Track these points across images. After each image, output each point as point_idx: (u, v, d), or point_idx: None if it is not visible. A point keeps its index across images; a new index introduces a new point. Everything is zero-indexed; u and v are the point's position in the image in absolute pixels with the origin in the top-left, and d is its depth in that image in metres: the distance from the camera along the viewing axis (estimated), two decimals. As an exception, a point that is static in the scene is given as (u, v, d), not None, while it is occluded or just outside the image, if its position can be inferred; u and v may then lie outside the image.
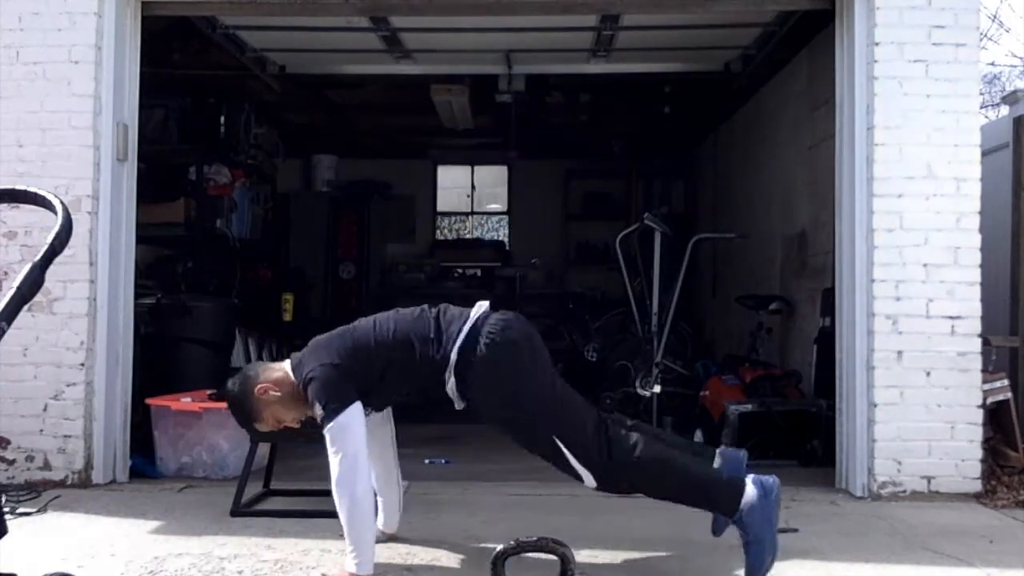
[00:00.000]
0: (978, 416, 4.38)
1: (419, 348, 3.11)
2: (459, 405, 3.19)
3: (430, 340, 3.11)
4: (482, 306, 3.18)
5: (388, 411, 3.43)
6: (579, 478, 3.06)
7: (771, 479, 3.02)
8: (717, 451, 3.19)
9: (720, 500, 3.03)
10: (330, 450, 3.02)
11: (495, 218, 11.99)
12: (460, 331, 3.10)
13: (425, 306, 3.27)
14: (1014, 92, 6.72)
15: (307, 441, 4.58)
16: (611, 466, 3.03)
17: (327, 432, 3.02)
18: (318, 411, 3.03)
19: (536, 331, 3.22)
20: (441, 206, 11.58)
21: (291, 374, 3.20)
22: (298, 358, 3.20)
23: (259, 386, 3.20)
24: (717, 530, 3.17)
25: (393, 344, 3.14)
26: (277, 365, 3.28)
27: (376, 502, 3.32)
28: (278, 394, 3.20)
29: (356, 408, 3.03)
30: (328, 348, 3.16)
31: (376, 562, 3.16)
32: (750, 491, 2.98)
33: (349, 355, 3.11)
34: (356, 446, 3.00)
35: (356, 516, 2.98)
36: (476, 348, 3.05)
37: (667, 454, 3.10)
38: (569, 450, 3.03)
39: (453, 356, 3.07)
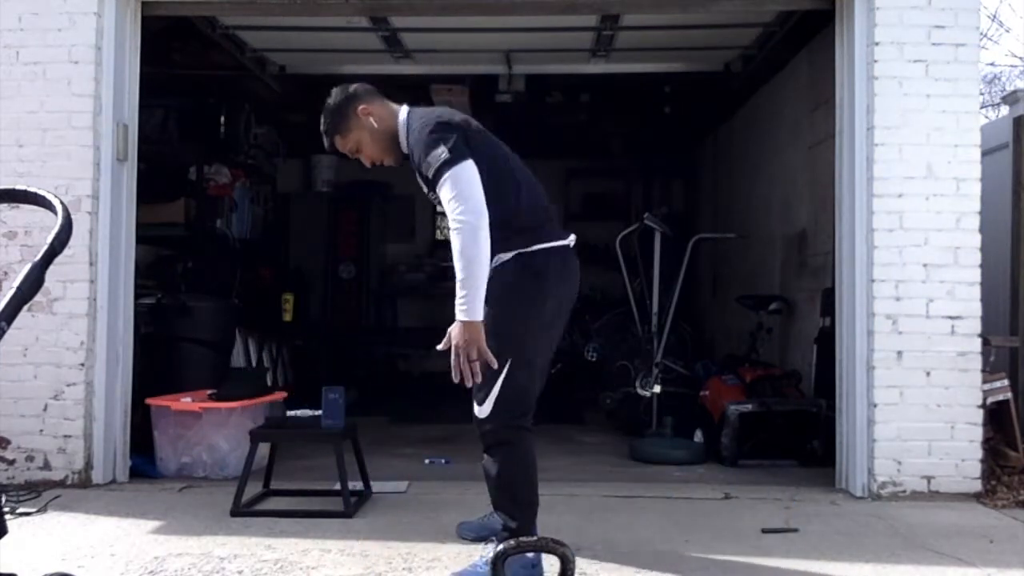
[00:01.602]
0: (978, 416, 4.38)
1: (529, 198, 3.17)
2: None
3: (544, 209, 3.21)
4: (566, 239, 3.26)
5: None
6: (480, 402, 3.06)
7: (540, 571, 2.96)
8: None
9: (520, 527, 3.05)
10: (452, 192, 2.90)
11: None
12: (557, 237, 3.18)
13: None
14: (1014, 92, 6.71)
15: (308, 441, 4.62)
16: (502, 423, 3.05)
17: (451, 175, 2.92)
18: (440, 154, 2.93)
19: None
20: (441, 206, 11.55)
21: (400, 118, 3.20)
22: (417, 110, 3.20)
23: (364, 106, 3.23)
24: (466, 532, 3.39)
25: (516, 165, 3.19)
26: (394, 104, 3.28)
27: None
28: (375, 125, 3.22)
29: (471, 164, 2.95)
30: (453, 113, 3.15)
31: (376, 562, 3.17)
32: (532, 557, 2.94)
33: (475, 131, 3.10)
34: (479, 191, 2.91)
35: (477, 262, 2.86)
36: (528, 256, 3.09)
37: (531, 468, 3.13)
38: (503, 383, 3.02)
39: (535, 247, 3.10)
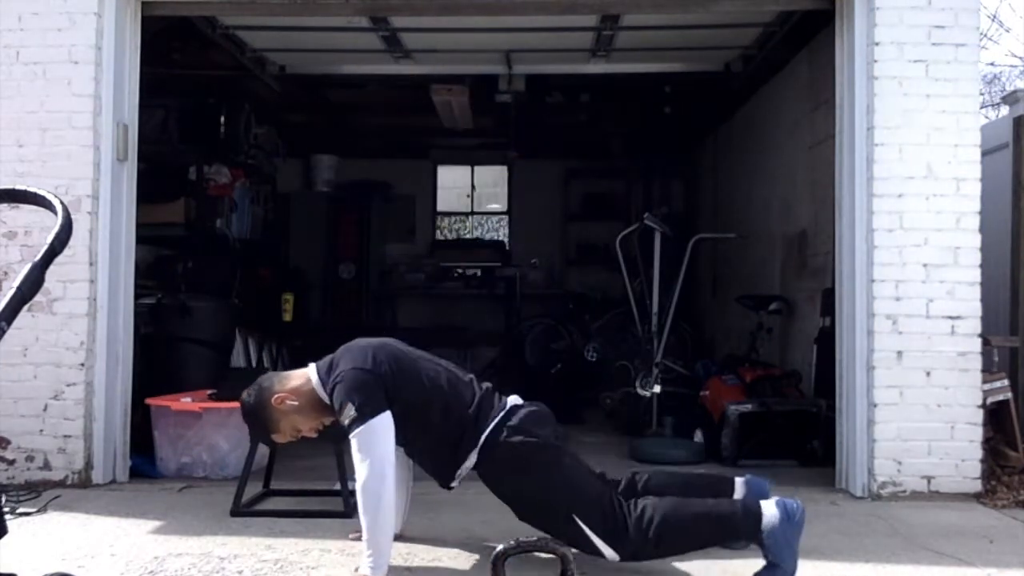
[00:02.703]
0: (978, 416, 4.38)
1: (459, 405, 3.14)
2: (454, 484, 3.24)
3: (470, 408, 3.14)
4: (514, 399, 3.24)
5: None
6: (600, 554, 3.04)
7: (795, 503, 3.03)
8: (740, 481, 3.24)
9: (741, 531, 3.05)
10: (357, 454, 2.99)
11: (495, 218, 11.98)
12: (494, 417, 3.14)
13: (473, 376, 3.30)
14: (1014, 92, 6.72)
15: (308, 441, 4.61)
16: (629, 539, 3.02)
17: (356, 435, 2.99)
18: (349, 412, 2.99)
19: (553, 423, 3.27)
20: (441, 206, 11.57)
21: (312, 379, 3.18)
22: (328, 361, 3.18)
23: (276, 396, 3.19)
24: (737, 546, 3.22)
25: (439, 383, 3.16)
26: (293, 373, 3.26)
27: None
28: (295, 403, 3.18)
29: (387, 416, 3.01)
30: (365, 355, 3.13)
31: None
32: (771, 513, 2.99)
33: (388, 368, 3.10)
34: (385, 450, 2.99)
35: (379, 520, 2.98)
36: (499, 438, 3.10)
37: (680, 511, 3.07)
38: (589, 528, 3.01)
39: (482, 439, 3.11)
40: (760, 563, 3.01)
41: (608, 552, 3.03)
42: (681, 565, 3.23)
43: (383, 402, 3.02)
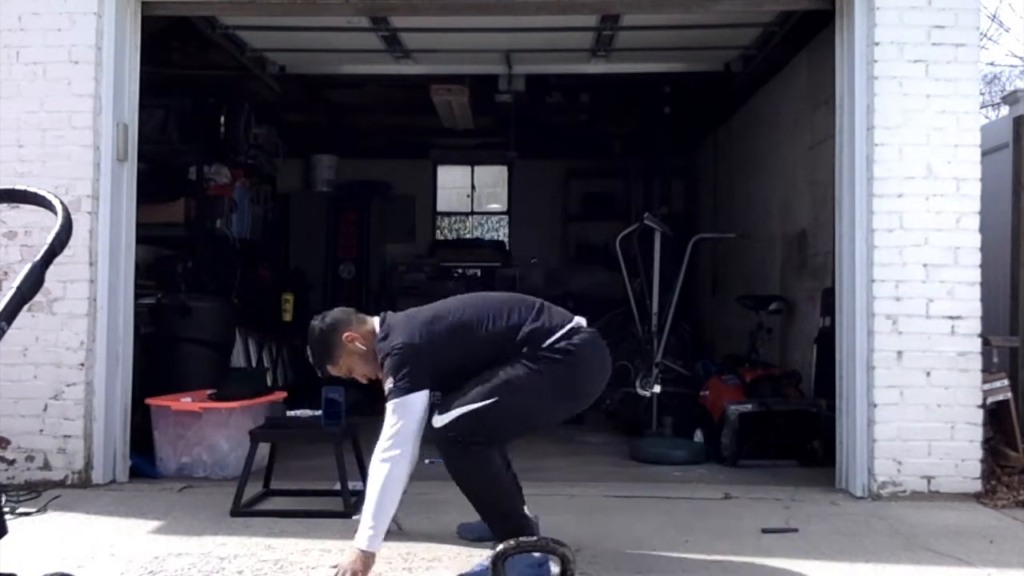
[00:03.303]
0: (978, 416, 4.38)
1: (504, 343, 3.16)
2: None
3: (520, 335, 3.16)
4: (580, 320, 3.28)
5: None
6: (442, 410, 3.09)
7: (548, 570, 2.98)
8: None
9: (507, 532, 2.98)
10: (386, 424, 3.04)
11: (495, 218, 11.98)
12: (557, 329, 3.17)
13: (532, 301, 3.32)
14: (1014, 92, 6.72)
15: (308, 441, 4.61)
16: (459, 442, 3.08)
17: (390, 404, 3.06)
18: (388, 384, 3.08)
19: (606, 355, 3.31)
20: (441, 206, 11.57)
21: (376, 333, 3.26)
22: (389, 325, 3.25)
23: (348, 333, 3.29)
24: (467, 532, 3.41)
25: (488, 343, 3.18)
26: (368, 318, 3.36)
27: None
28: (363, 348, 3.28)
29: (424, 395, 3.07)
30: (416, 328, 3.18)
31: (376, 562, 3.16)
32: (539, 556, 2.94)
33: (440, 343, 3.15)
34: (412, 428, 3.03)
35: (386, 492, 2.98)
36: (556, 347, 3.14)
37: (495, 474, 3.16)
38: (480, 408, 3.05)
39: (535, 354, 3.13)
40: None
41: (444, 419, 3.07)
42: (697, 567, 3.22)
43: (424, 379, 3.08)
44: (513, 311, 3.24)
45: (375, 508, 2.98)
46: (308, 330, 3.41)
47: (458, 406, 3.08)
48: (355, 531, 3.60)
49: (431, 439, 3.14)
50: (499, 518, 3.18)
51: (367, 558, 2.96)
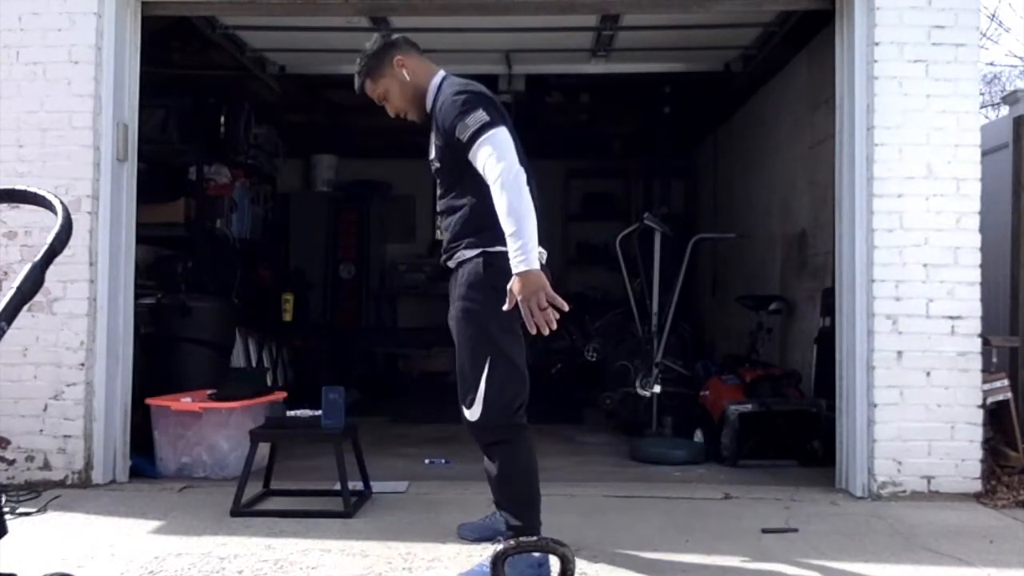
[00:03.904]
0: (978, 416, 4.38)
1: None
2: None
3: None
4: None
5: None
6: (469, 405, 3.05)
7: (548, 570, 2.94)
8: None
9: (523, 526, 3.03)
10: (492, 155, 2.96)
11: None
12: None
13: None
14: (1014, 92, 6.72)
15: (308, 441, 4.62)
16: (496, 425, 3.04)
17: (489, 138, 2.99)
18: (479, 116, 3.00)
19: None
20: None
21: (434, 80, 3.25)
22: (451, 77, 3.25)
23: (400, 57, 3.26)
24: (468, 533, 3.41)
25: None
26: (428, 62, 3.33)
27: None
28: (407, 78, 3.25)
29: (507, 131, 3.04)
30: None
31: (376, 562, 3.16)
32: (539, 556, 2.93)
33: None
34: (515, 156, 2.99)
35: (526, 213, 2.91)
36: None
37: (533, 467, 3.11)
38: (486, 382, 3.01)
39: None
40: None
41: (474, 412, 3.04)
42: (697, 566, 3.22)
43: (501, 118, 3.05)
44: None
45: (519, 230, 2.88)
46: (369, 40, 3.34)
47: (474, 391, 3.04)
48: (355, 531, 3.62)
49: (473, 437, 3.10)
50: (526, 512, 3.11)
51: (528, 275, 2.86)
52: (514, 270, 2.89)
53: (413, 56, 3.32)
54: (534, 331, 2.89)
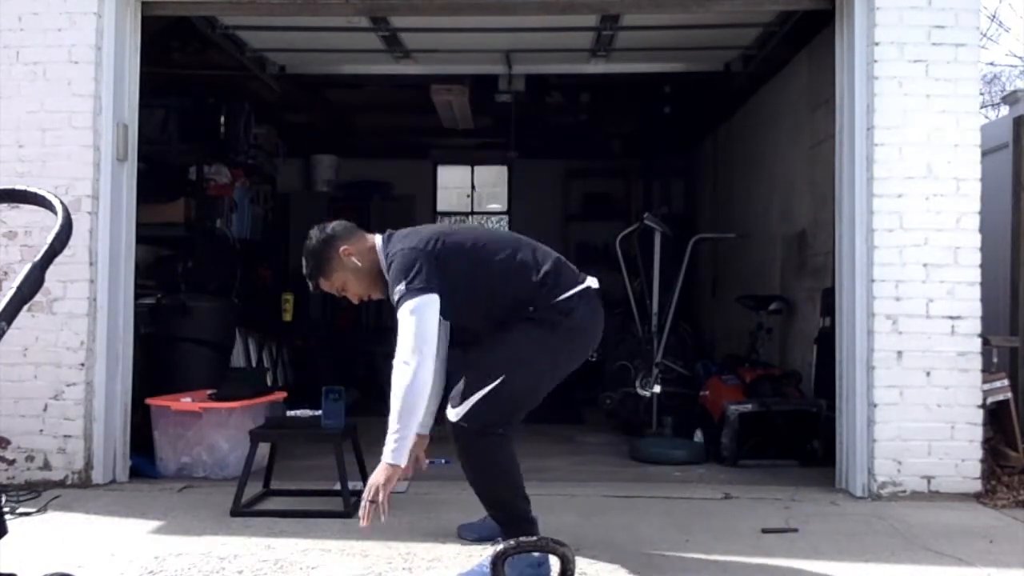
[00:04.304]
0: (978, 416, 4.38)
1: (520, 280, 3.12)
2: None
3: (536, 277, 3.12)
4: (592, 281, 3.24)
5: (446, 324, 3.36)
6: (454, 402, 3.07)
7: (548, 568, 2.95)
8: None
9: (512, 528, 3.05)
10: (400, 329, 2.96)
11: (495, 218, 11.98)
12: (568, 289, 3.13)
13: (537, 246, 3.29)
14: (1014, 92, 6.71)
15: (308, 441, 4.61)
16: (477, 432, 3.05)
17: (403, 307, 2.97)
18: (399, 287, 2.99)
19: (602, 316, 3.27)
20: (441, 206, 11.57)
21: (377, 246, 3.20)
22: (394, 237, 3.19)
23: (345, 247, 3.21)
24: (467, 532, 3.40)
25: (500, 266, 3.14)
26: (366, 234, 3.28)
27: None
28: (358, 264, 3.21)
29: (436, 298, 2.99)
30: (424, 236, 3.13)
31: (376, 562, 3.16)
32: (539, 556, 2.93)
33: (445, 250, 3.09)
34: (429, 329, 2.95)
35: (408, 400, 2.91)
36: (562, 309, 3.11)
37: (512, 469, 3.13)
38: (490, 391, 3.03)
39: (545, 305, 3.10)
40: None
41: (461, 411, 3.05)
42: (696, 567, 3.22)
43: (432, 283, 3.00)
44: (530, 250, 3.20)
45: (398, 416, 2.90)
46: (305, 240, 3.30)
47: (469, 394, 3.04)
48: (355, 531, 3.62)
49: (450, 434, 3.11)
50: (509, 516, 3.16)
51: (392, 470, 2.89)
52: (384, 458, 2.92)
53: (355, 239, 3.26)
54: (364, 520, 2.91)
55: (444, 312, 3.07)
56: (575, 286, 3.18)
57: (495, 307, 3.17)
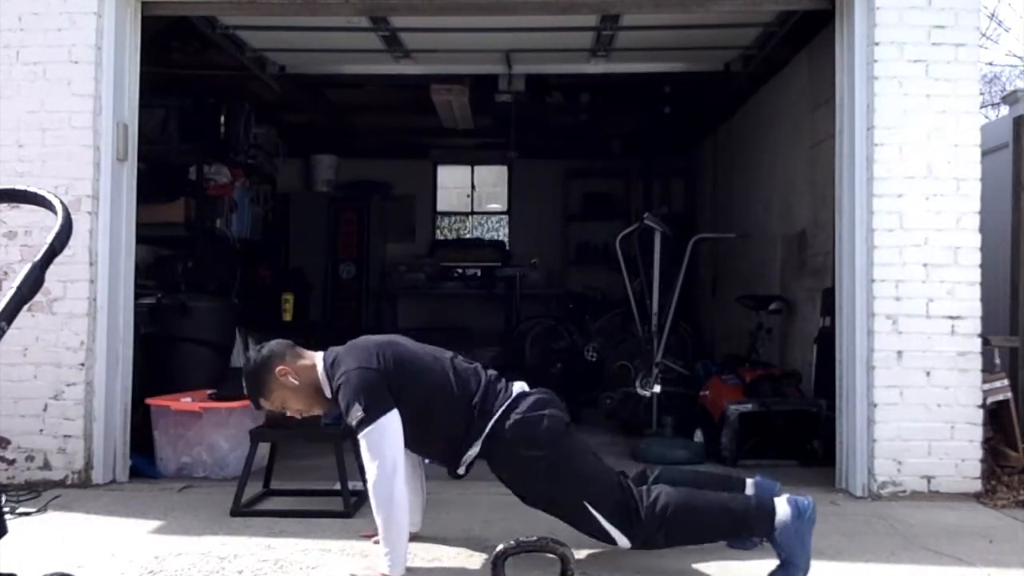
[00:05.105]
0: (978, 416, 4.38)
1: (462, 398, 3.17)
2: (460, 471, 3.27)
3: (474, 399, 3.17)
4: (520, 386, 3.27)
5: None
6: (612, 541, 3.08)
7: (806, 500, 3.05)
8: (750, 481, 3.28)
9: (754, 526, 3.09)
10: (367, 454, 3.03)
11: (495, 218, 12.00)
12: (500, 406, 3.17)
13: (479, 366, 3.33)
14: (1014, 92, 6.71)
15: (307, 441, 4.61)
16: (642, 525, 3.05)
17: (364, 435, 3.02)
18: (356, 412, 3.02)
19: (561, 408, 3.28)
20: (441, 206, 11.58)
21: (318, 366, 3.22)
22: (333, 356, 3.21)
23: (280, 367, 3.22)
24: (747, 546, 3.27)
25: (442, 379, 3.18)
26: (306, 352, 3.29)
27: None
28: (295, 383, 3.22)
29: (394, 415, 3.05)
30: (369, 354, 3.15)
31: (376, 562, 3.15)
32: (783, 510, 3.02)
33: (393, 366, 3.13)
34: (394, 449, 3.02)
35: (392, 519, 3.00)
36: (505, 425, 3.13)
37: (694, 500, 3.11)
38: (600, 514, 3.05)
39: (487, 429, 3.14)
40: (773, 563, 3.00)
41: (619, 538, 3.06)
42: (697, 565, 3.24)
43: (389, 400, 3.05)
44: (462, 375, 3.24)
45: (386, 533, 3.00)
46: (243, 367, 3.36)
47: (602, 531, 3.08)
48: (355, 531, 3.62)
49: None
50: (736, 529, 3.20)
51: None
52: (381, 569, 3.00)
53: (293, 359, 3.27)
54: None
55: (415, 432, 3.15)
56: (505, 401, 3.21)
57: (445, 425, 3.20)
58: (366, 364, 3.10)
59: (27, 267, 1.91)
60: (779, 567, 2.98)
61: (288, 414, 3.37)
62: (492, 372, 3.32)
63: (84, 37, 4.52)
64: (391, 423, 3.03)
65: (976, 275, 4.39)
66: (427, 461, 3.51)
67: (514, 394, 3.22)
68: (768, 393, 5.55)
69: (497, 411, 3.16)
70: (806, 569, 2.96)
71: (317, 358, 3.26)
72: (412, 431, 3.13)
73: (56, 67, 4.53)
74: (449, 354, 3.34)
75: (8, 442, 4.48)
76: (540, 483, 3.15)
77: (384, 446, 3.00)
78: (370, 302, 10.08)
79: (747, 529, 3.13)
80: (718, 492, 3.20)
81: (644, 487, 3.13)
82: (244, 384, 3.35)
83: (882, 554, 3.40)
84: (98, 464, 4.50)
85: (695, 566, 3.24)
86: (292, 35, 6.19)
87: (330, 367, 3.18)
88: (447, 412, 3.17)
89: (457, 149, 10.69)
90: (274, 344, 3.32)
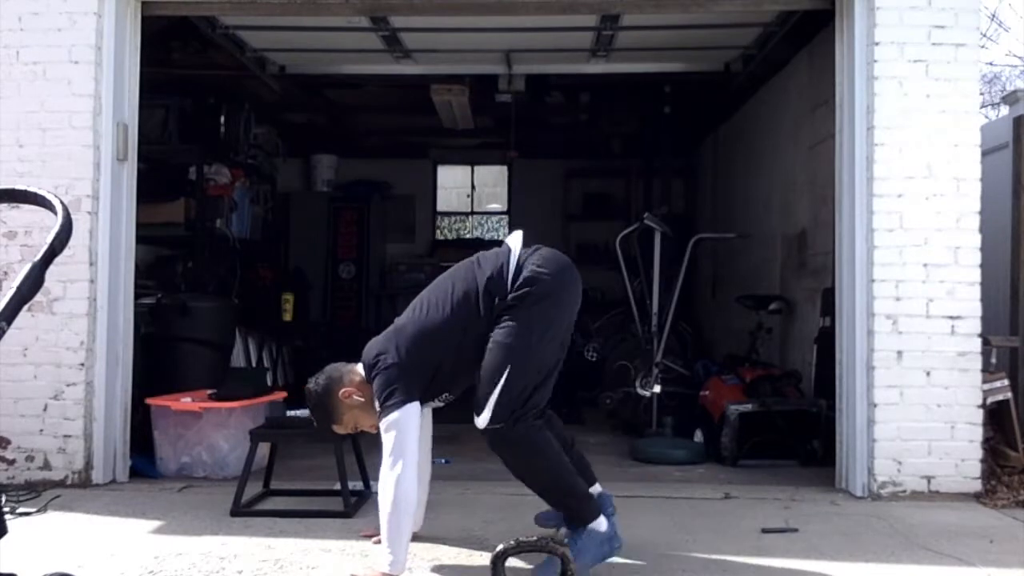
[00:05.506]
0: (978, 416, 4.38)
1: (472, 325, 3.15)
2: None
3: (479, 310, 3.14)
4: (517, 239, 3.28)
5: (429, 411, 3.43)
6: (478, 411, 3.07)
7: (617, 541, 3.11)
8: (598, 489, 3.35)
9: (574, 513, 3.12)
10: (384, 442, 3.03)
11: (495, 218, 11.99)
12: (507, 275, 3.16)
13: (469, 264, 3.29)
14: (1014, 92, 6.72)
15: (308, 441, 4.61)
16: (511, 429, 3.05)
17: (383, 422, 3.05)
18: (380, 402, 3.06)
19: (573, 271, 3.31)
20: (441, 206, 11.58)
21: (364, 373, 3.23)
22: (365, 357, 3.22)
23: (344, 390, 3.24)
24: (544, 520, 3.36)
25: (457, 324, 3.16)
26: (358, 367, 3.29)
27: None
28: (361, 399, 3.23)
29: (414, 406, 3.06)
30: (386, 346, 3.17)
31: (376, 562, 3.16)
32: (601, 524, 3.07)
33: (412, 348, 3.13)
34: (408, 446, 3.02)
35: (397, 515, 2.99)
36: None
37: (554, 453, 3.14)
38: (501, 388, 3.04)
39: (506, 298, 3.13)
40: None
41: (486, 415, 3.06)
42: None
43: (411, 391, 3.07)
44: (458, 283, 3.21)
45: (389, 531, 2.99)
46: (305, 395, 3.36)
47: (486, 398, 3.06)
48: (355, 531, 3.62)
49: (487, 442, 3.13)
50: (561, 498, 3.19)
51: None
52: (380, 568, 2.99)
53: (351, 378, 3.28)
54: None
55: (445, 384, 3.20)
56: (509, 266, 3.20)
57: (471, 346, 3.17)
58: (383, 353, 3.13)
59: (27, 267, 1.91)
60: (550, 561, 2.90)
61: (362, 430, 3.38)
62: (476, 259, 3.28)
63: (84, 37, 4.52)
64: (407, 415, 3.03)
65: (976, 275, 4.39)
66: (438, 461, 3.50)
67: (514, 258, 3.21)
68: (768, 393, 5.55)
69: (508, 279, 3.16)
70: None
71: (359, 368, 3.27)
72: (443, 381, 3.18)
73: (56, 67, 4.53)
74: (454, 299, 3.22)
75: (8, 442, 4.48)
76: (504, 321, 3.10)
77: (397, 436, 3.01)
78: (370, 302, 10.08)
79: (566, 508, 3.16)
80: (574, 470, 3.20)
81: (539, 421, 3.15)
82: (313, 417, 3.37)
83: (882, 554, 3.40)
84: (98, 464, 4.51)
85: (695, 566, 3.24)
86: (292, 35, 6.19)
87: (366, 371, 3.20)
88: (467, 354, 3.16)
89: (457, 149, 10.69)
90: (330, 369, 3.34)
